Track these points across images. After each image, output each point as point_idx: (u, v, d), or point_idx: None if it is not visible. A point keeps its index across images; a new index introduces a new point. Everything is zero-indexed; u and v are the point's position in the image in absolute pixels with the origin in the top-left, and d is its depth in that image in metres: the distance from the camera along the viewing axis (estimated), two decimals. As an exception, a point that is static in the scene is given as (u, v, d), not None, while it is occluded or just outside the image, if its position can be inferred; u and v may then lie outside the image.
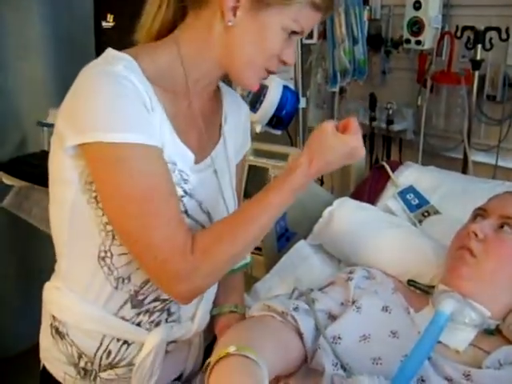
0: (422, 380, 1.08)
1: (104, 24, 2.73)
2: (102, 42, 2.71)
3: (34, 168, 2.24)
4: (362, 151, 1.07)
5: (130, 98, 0.99)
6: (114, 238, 1.09)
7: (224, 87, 1.28)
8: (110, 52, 1.06)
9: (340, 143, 1.06)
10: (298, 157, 1.08)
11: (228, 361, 0.91)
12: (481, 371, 1.10)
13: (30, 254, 2.70)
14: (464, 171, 2.22)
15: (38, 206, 2.30)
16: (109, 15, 2.73)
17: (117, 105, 0.98)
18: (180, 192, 1.09)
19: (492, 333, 1.22)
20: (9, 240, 2.63)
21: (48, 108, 2.47)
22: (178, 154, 1.09)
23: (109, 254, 1.11)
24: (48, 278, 1.27)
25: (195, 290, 1.09)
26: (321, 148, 1.06)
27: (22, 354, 2.43)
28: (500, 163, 2.22)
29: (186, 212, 1.12)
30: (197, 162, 1.15)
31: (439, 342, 1.16)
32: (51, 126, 2.21)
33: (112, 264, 1.12)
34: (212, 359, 0.92)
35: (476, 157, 2.25)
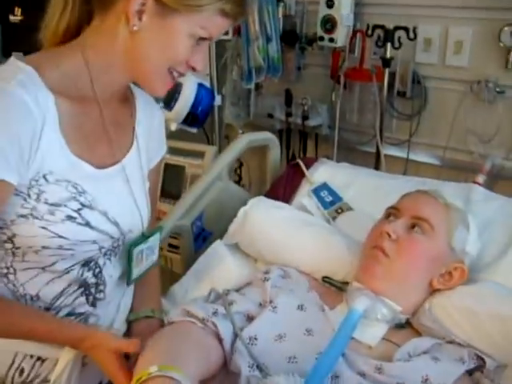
0: (336, 376, 1.10)
1: (11, 18, 2.62)
2: (10, 36, 2.60)
3: None
4: None
5: (8, 128, 0.97)
6: (14, 255, 1.07)
7: (137, 90, 1.25)
8: (12, 62, 1.03)
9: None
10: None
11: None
12: (391, 364, 1.14)
13: None
14: (377, 165, 2.28)
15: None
16: (16, 8, 2.62)
17: None
18: (76, 205, 1.07)
19: (403, 326, 1.27)
20: None
21: None
22: (72, 168, 1.07)
23: (12, 270, 1.09)
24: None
25: None
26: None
27: None
28: (411, 157, 2.30)
29: (87, 224, 1.09)
30: (105, 168, 1.13)
31: (352, 339, 1.18)
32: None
33: (16, 280, 1.10)
34: (133, 381, 0.89)
35: (388, 151, 2.32)
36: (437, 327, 1.24)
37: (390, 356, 1.17)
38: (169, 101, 1.97)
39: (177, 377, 0.88)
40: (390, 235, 1.27)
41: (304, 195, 1.73)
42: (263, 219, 1.56)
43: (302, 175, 1.80)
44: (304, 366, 1.10)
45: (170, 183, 2.12)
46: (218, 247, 1.58)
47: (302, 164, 1.81)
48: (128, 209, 1.19)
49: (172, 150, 2.06)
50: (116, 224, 1.15)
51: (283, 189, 1.78)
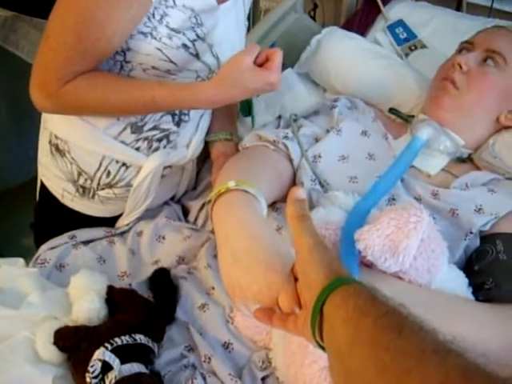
0: (393, 199, 1.15)
1: None
2: None
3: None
4: (277, 86, 1.03)
5: None
6: (121, 68, 1.11)
7: None
8: None
9: (256, 79, 1.01)
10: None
11: (228, 195, 0.93)
12: (448, 190, 1.17)
13: (20, 92, 2.64)
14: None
15: (26, 39, 2.25)
16: None
17: None
18: (193, 36, 1.09)
19: (464, 161, 1.28)
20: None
21: None
22: None
23: None
24: (40, 115, 1.29)
25: (45, 109, 1.15)
26: (233, 79, 1.01)
27: (18, 187, 2.49)
28: (496, 5, 2.17)
29: (197, 55, 1.13)
30: (221, 3, 1.13)
31: (413, 167, 1.22)
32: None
33: None
34: (212, 194, 0.95)
35: (471, -3, 2.20)
36: (497, 163, 1.25)
37: (448, 185, 1.20)
38: None
39: (252, 191, 0.93)
40: (461, 67, 1.25)
41: (378, 31, 1.70)
42: (336, 48, 1.55)
43: (378, 11, 1.75)
44: (364, 186, 1.14)
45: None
46: (288, 74, 1.59)
47: (378, 0, 1.76)
48: (226, 46, 1.20)
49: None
50: (217, 58, 1.18)
51: (357, 24, 1.75)
